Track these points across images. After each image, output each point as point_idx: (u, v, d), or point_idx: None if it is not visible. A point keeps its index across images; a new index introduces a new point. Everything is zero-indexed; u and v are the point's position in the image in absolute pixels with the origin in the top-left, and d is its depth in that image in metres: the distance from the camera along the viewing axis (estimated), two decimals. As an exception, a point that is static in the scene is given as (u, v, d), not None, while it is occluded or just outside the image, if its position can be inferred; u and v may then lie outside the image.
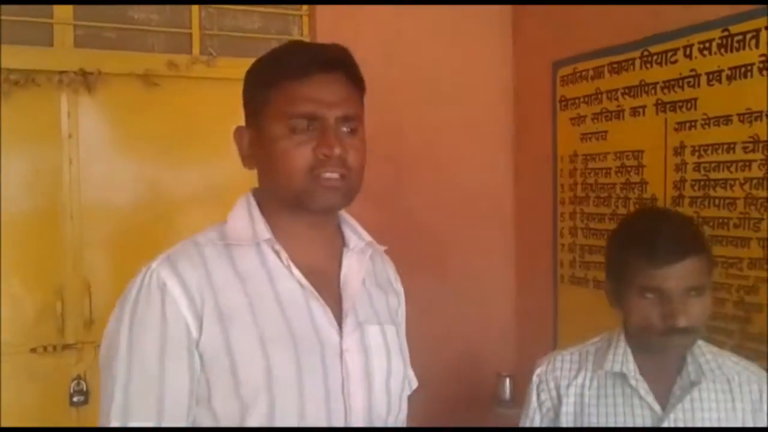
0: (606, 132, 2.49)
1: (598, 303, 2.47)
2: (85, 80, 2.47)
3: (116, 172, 2.57)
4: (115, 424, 0.98)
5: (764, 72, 1.88)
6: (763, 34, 1.88)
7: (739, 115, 1.97)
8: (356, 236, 1.18)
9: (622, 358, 1.36)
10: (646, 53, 2.28)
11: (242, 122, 1.16)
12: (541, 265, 2.83)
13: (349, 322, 1.08)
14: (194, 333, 1.00)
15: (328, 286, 1.10)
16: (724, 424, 1.33)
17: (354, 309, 1.10)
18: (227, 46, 2.66)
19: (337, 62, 1.09)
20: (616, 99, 2.42)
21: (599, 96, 2.50)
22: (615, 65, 2.42)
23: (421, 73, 2.84)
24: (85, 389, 2.45)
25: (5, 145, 2.40)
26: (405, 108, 2.81)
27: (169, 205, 2.61)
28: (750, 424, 1.34)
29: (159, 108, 2.55)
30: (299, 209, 1.07)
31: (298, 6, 2.78)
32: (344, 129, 1.07)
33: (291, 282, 1.06)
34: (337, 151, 1.03)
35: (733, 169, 2.00)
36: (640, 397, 1.34)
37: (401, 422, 1.19)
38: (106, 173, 2.55)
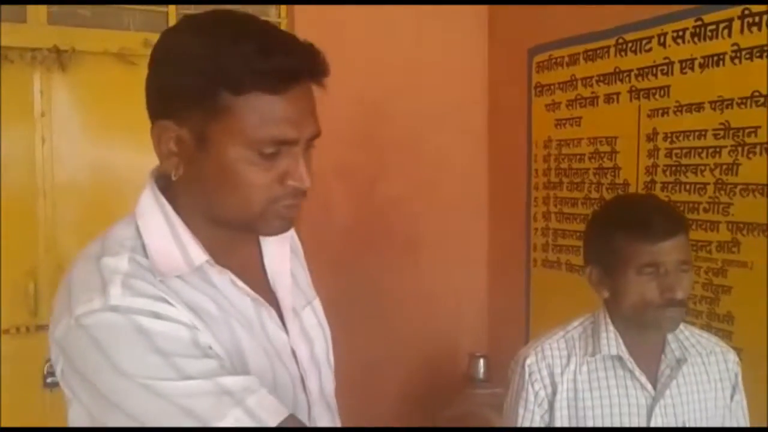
0: (580, 118, 2.53)
1: (571, 286, 2.55)
2: (59, 58, 2.44)
3: (90, 152, 2.55)
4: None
5: (736, 61, 1.93)
6: (735, 23, 1.93)
7: (710, 102, 2.02)
8: None
9: (615, 342, 1.39)
10: (621, 41, 2.32)
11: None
12: (515, 248, 2.88)
13: (289, 318, 1.04)
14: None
15: (256, 278, 1.02)
16: (703, 397, 1.40)
17: (287, 301, 1.05)
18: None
19: (312, 68, 0.89)
20: (591, 86, 2.46)
21: (574, 83, 2.54)
22: (590, 52, 2.46)
23: (397, 59, 2.85)
24: (58, 370, 2.43)
25: (-24, 123, 2.36)
26: (380, 94, 2.81)
27: (143, 186, 2.58)
28: (720, 394, 1.42)
29: (134, 87, 2.49)
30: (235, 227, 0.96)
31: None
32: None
33: (240, 295, 0.97)
34: (308, 184, 0.91)
35: (703, 155, 2.05)
36: (632, 378, 1.38)
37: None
38: (79, 153, 2.53)
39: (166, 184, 0.97)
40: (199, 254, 0.92)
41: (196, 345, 0.86)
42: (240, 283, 0.96)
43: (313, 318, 1.11)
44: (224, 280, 0.95)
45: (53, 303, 0.91)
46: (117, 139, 2.56)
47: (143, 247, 0.91)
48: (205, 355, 0.86)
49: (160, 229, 0.93)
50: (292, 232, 1.13)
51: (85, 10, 2.49)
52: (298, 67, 0.87)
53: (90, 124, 2.54)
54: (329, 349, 1.13)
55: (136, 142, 2.56)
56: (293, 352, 1.02)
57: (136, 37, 2.52)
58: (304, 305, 1.10)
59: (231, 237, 0.98)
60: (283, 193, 0.91)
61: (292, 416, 0.88)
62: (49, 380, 2.42)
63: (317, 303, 1.15)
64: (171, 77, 0.89)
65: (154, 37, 2.68)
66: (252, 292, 0.97)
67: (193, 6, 2.62)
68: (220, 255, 0.95)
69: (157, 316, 0.84)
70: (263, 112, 0.86)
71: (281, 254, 1.08)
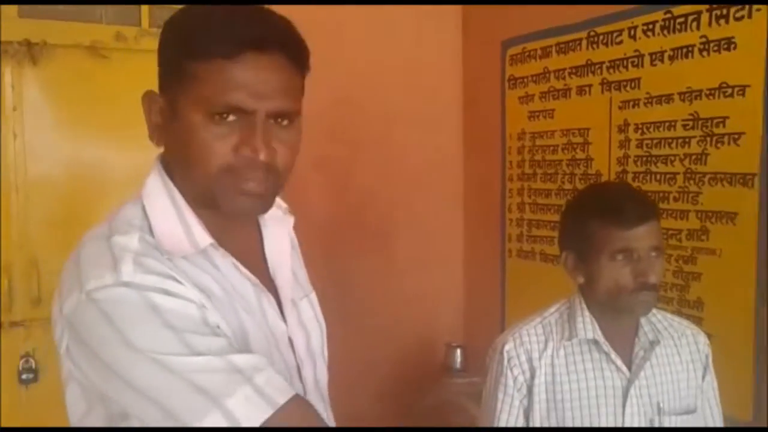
0: (553, 110, 2.56)
1: (545, 275, 2.58)
2: (30, 51, 2.40)
3: (62, 147, 2.51)
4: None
5: (704, 53, 1.97)
6: (704, 16, 1.97)
7: (680, 93, 2.06)
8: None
9: (591, 326, 1.42)
10: (592, 34, 2.35)
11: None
12: (490, 239, 2.91)
13: (288, 307, 1.05)
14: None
15: (257, 266, 1.02)
16: (676, 378, 1.44)
17: (287, 290, 1.06)
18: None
19: (279, 39, 0.89)
20: (564, 78, 2.49)
21: (547, 75, 2.57)
22: (563, 45, 2.49)
23: (373, 55, 2.86)
24: (33, 367, 2.40)
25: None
26: (355, 90, 2.81)
27: (116, 180, 2.56)
28: (692, 375, 1.47)
29: (106, 81, 2.49)
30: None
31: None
32: (278, 123, 0.91)
33: (242, 280, 0.97)
34: (262, 156, 0.88)
35: (673, 145, 2.09)
36: (608, 361, 1.42)
37: None
38: (51, 147, 2.49)
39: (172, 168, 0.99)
40: (203, 237, 0.93)
41: (205, 323, 0.87)
42: (242, 268, 0.97)
43: (310, 311, 1.12)
44: (227, 263, 0.96)
45: (60, 281, 0.91)
46: (89, 133, 2.53)
47: (150, 227, 0.92)
48: (214, 334, 0.87)
49: (166, 210, 0.94)
50: (290, 228, 1.15)
51: (56, 3, 2.45)
52: (258, 33, 0.88)
53: (62, 118, 2.51)
54: (324, 342, 1.14)
55: (109, 136, 2.54)
56: (290, 342, 1.03)
57: (108, 30, 2.49)
58: (302, 297, 1.12)
59: (230, 222, 0.99)
60: (238, 164, 0.89)
61: (298, 396, 0.88)
62: (24, 377, 2.40)
63: (314, 297, 1.16)
64: (160, 51, 0.95)
65: (126, 30, 2.66)
66: (253, 278, 0.98)
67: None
68: (221, 240, 0.96)
69: (167, 293, 0.85)
70: (220, 78, 0.87)
71: (281, 245, 1.09)
